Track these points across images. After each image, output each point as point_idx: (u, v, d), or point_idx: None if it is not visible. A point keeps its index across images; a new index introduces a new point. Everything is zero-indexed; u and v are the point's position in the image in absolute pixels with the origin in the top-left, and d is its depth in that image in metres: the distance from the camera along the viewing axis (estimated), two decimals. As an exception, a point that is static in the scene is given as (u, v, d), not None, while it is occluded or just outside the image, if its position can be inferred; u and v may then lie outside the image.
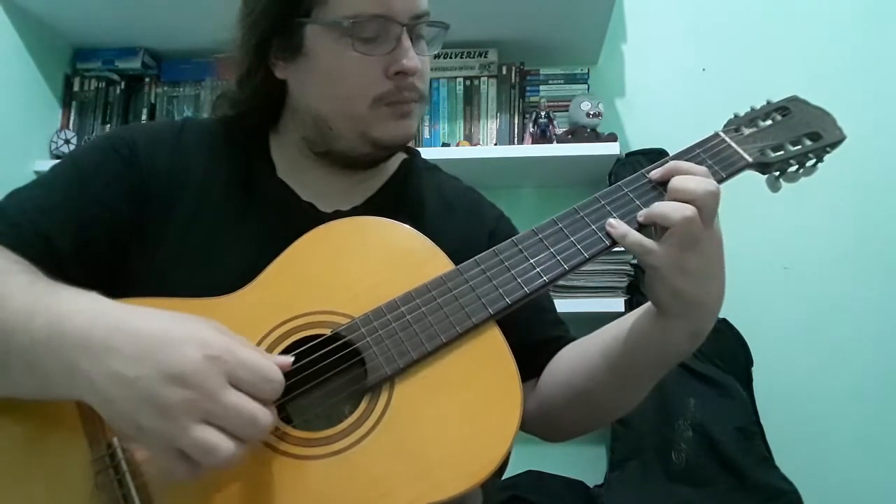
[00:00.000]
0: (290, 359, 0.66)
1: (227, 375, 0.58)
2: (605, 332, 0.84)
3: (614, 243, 0.75)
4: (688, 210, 0.68)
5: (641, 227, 0.74)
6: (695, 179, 0.70)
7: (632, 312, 0.81)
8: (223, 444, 0.57)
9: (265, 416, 0.59)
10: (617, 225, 0.73)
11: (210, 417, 0.57)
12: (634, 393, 0.84)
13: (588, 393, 0.84)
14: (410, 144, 0.98)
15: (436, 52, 0.89)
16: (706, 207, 0.69)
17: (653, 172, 0.76)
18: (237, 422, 0.58)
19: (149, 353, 0.59)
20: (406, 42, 0.81)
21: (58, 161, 0.87)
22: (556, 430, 0.92)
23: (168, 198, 0.84)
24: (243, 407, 0.58)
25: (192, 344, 0.59)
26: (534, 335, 0.90)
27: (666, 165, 0.76)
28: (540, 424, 0.88)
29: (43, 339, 0.62)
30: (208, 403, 0.57)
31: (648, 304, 0.76)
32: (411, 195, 0.94)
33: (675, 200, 0.70)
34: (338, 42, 0.81)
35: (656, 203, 0.72)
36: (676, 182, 0.71)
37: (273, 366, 0.62)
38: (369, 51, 0.81)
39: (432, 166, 1.02)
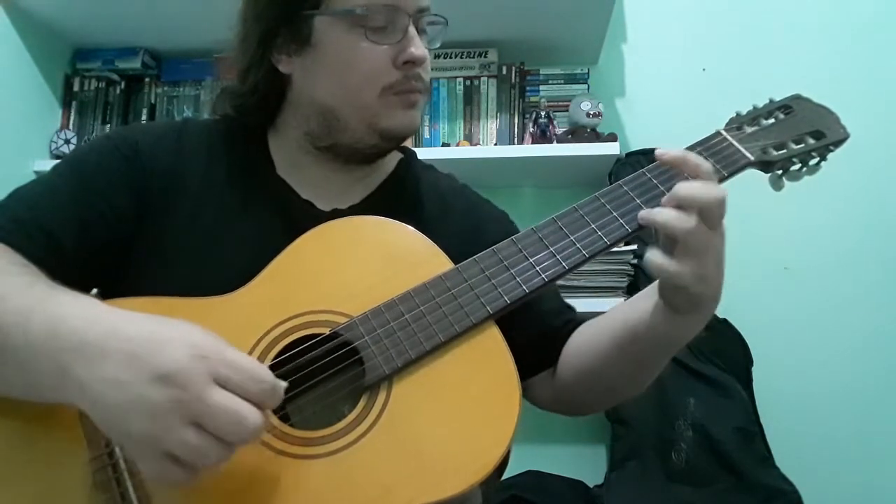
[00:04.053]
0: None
1: (213, 375, 0.58)
2: (614, 319, 0.84)
3: (614, 243, 0.75)
4: (691, 222, 0.67)
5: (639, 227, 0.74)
6: (699, 187, 0.69)
7: (639, 297, 0.81)
8: (210, 445, 0.56)
9: (253, 415, 0.58)
10: (654, 258, 0.70)
11: (197, 418, 0.56)
12: (646, 375, 0.85)
13: (603, 377, 0.85)
14: (410, 143, 0.99)
15: (436, 49, 0.91)
16: (712, 215, 0.68)
17: (662, 155, 0.73)
18: (224, 422, 0.56)
19: (138, 356, 0.58)
20: (413, 32, 0.84)
21: (58, 161, 0.87)
22: (578, 406, 0.93)
23: (169, 197, 0.84)
24: (230, 406, 0.57)
25: (180, 344, 0.59)
26: (542, 326, 0.90)
27: (675, 153, 0.73)
28: (559, 405, 0.91)
29: (38, 340, 0.62)
30: (194, 403, 0.56)
31: (655, 299, 0.75)
32: (409, 193, 0.95)
33: (678, 207, 0.69)
34: (348, 32, 0.82)
35: (658, 210, 0.70)
36: (681, 190, 0.69)
37: (263, 367, 0.61)
38: (379, 40, 0.82)
39: (427, 166, 1.03)
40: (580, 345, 0.89)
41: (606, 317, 0.87)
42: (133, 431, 0.57)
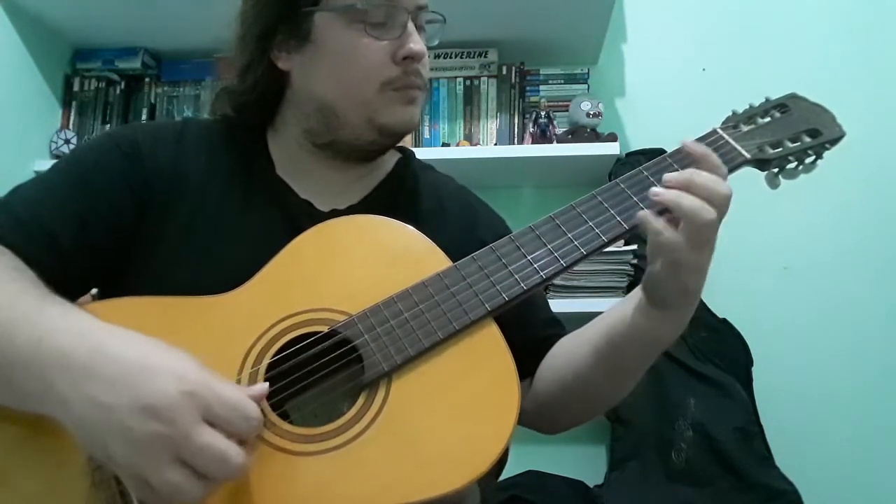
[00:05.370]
0: (264, 385, 0.65)
1: (201, 411, 0.58)
2: (593, 327, 0.84)
3: (612, 240, 0.75)
4: (712, 213, 0.68)
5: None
6: (717, 180, 0.70)
7: (616, 307, 0.81)
8: (192, 482, 0.57)
9: (237, 456, 0.58)
10: (652, 219, 0.69)
11: (181, 456, 0.56)
12: (624, 384, 0.85)
13: (580, 388, 0.84)
14: (410, 144, 0.99)
15: (433, 46, 0.91)
16: (721, 211, 0.69)
17: (688, 145, 0.74)
18: (207, 462, 0.57)
19: (125, 380, 0.58)
20: (412, 27, 0.85)
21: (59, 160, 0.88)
22: (552, 423, 0.92)
23: (169, 196, 0.84)
24: (215, 447, 0.57)
25: (169, 376, 0.58)
26: (527, 335, 0.89)
27: (702, 148, 0.73)
28: (536, 420, 0.89)
29: (23, 356, 0.62)
30: (179, 441, 0.56)
31: (637, 299, 0.76)
32: (407, 193, 0.95)
33: (695, 195, 0.68)
34: (347, 28, 0.83)
35: (681, 195, 0.69)
36: (700, 178, 0.69)
37: (251, 403, 0.61)
38: (379, 35, 0.83)
39: (426, 166, 1.03)
40: (558, 355, 0.89)
41: (585, 329, 0.86)
42: (114, 456, 0.58)
